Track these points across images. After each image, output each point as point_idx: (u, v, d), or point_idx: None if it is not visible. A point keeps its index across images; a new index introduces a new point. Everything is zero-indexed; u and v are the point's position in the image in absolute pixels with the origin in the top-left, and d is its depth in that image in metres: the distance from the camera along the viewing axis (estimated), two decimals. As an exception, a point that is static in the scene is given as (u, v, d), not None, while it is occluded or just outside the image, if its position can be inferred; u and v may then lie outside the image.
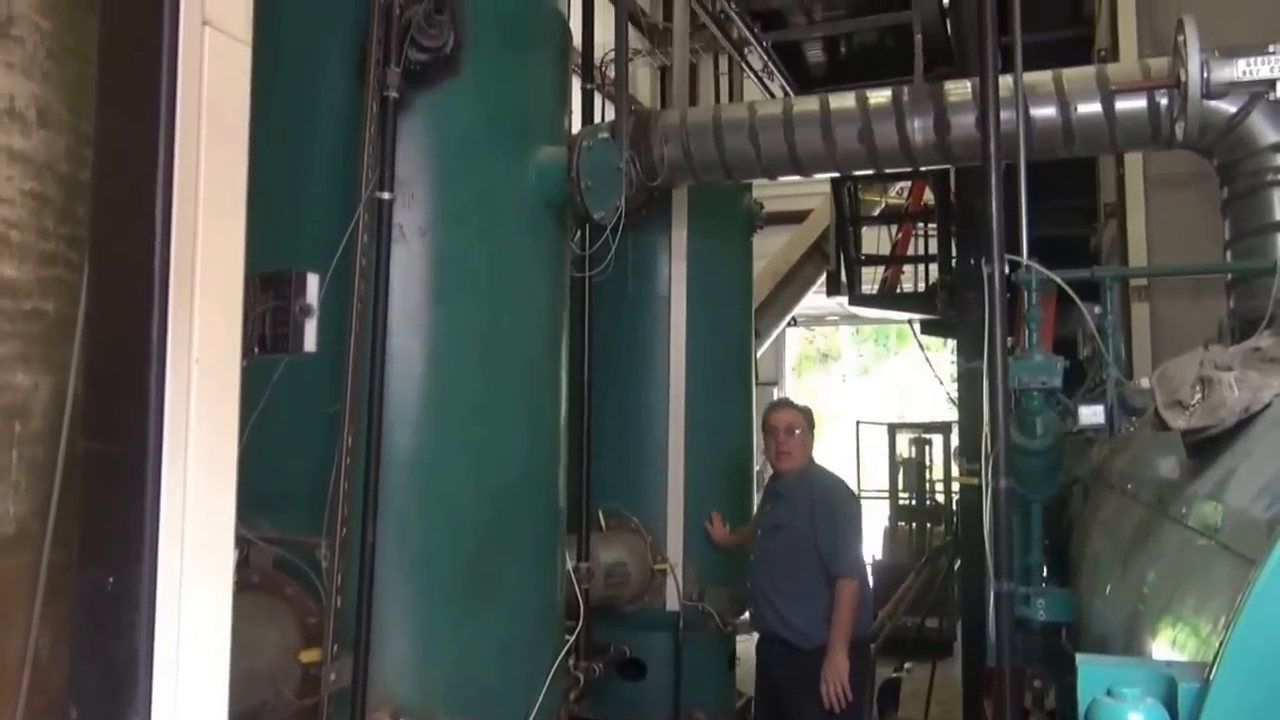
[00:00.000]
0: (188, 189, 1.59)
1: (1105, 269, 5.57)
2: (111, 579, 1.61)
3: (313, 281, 2.34)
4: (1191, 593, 1.83)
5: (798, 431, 5.05)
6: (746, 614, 5.36)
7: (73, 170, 1.76)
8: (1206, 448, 2.19)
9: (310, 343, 2.37)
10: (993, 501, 3.43)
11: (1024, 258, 4.15)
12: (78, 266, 1.78)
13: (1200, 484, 2.16)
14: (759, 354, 9.87)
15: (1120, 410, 4.10)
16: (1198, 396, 2.12)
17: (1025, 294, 4.16)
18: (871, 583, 5.60)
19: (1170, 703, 1.40)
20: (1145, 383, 3.51)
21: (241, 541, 3.23)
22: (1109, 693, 1.37)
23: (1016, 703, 3.33)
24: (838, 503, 4.97)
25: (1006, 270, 3.92)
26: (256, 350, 2.35)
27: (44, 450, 1.80)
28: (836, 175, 9.13)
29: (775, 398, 5.71)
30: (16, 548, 1.78)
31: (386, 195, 3.29)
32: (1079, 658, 1.51)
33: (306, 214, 3.51)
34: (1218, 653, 1.37)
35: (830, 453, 5.08)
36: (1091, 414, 4.04)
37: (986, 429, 3.58)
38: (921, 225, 10.39)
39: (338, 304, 3.23)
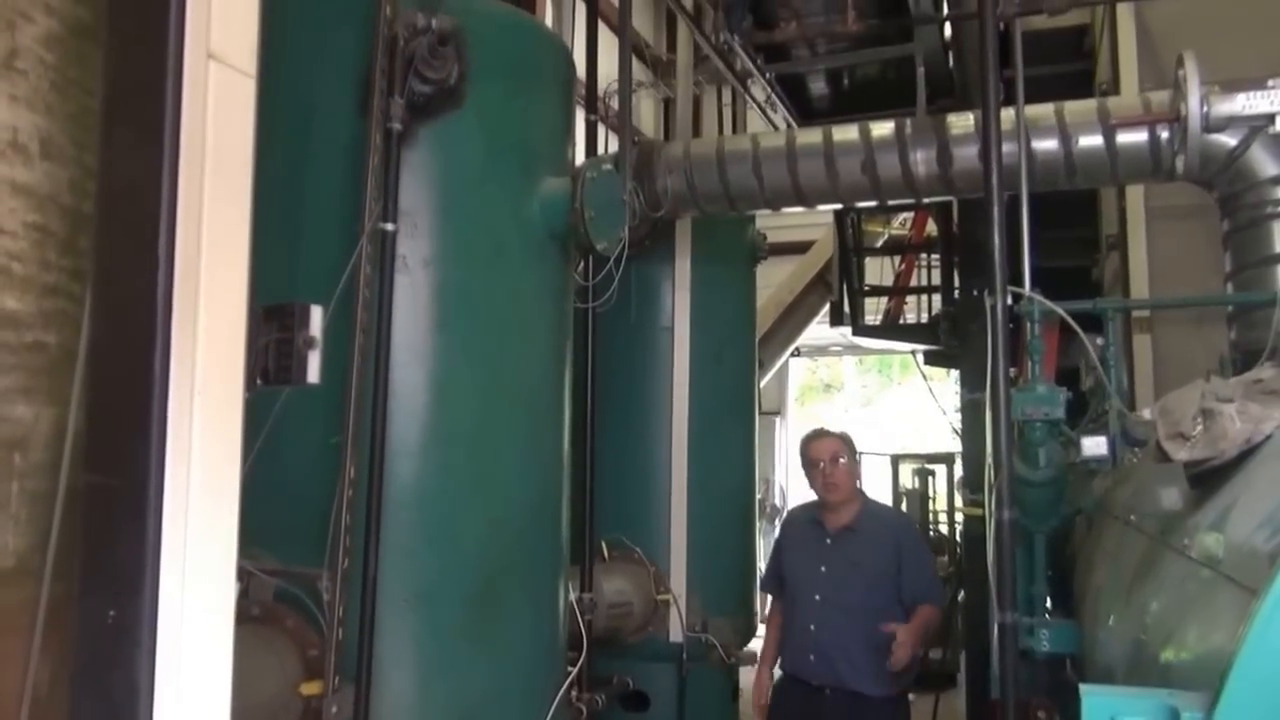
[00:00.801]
0: (191, 222, 1.59)
1: (1108, 300, 5.60)
2: (112, 612, 1.60)
3: (316, 313, 2.34)
4: (1194, 623, 1.82)
5: (842, 460, 4.79)
6: (755, 645, 5.25)
7: (75, 203, 1.77)
8: (1208, 479, 2.19)
9: (314, 374, 2.38)
10: (996, 532, 3.43)
11: (1026, 289, 4.17)
12: (79, 299, 1.78)
13: (1202, 515, 2.16)
14: (762, 384, 9.88)
15: (1123, 441, 4.10)
16: (1199, 428, 2.12)
17: (1028, 325, 4.18)
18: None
19: (1173, 734, 1.40)
20: (1148, 414, 3.52)
21: (242, 573, 3.21)
22: (1112, 723, 1.37)
23: (1021, 735, 3.32)
24: (917, 534, 4.99)
25: (1009, 301, 3.94)
26: (260, 382, 2.36)
27: (44, 483, 1.80)
28: (839, 207, 9.19)
29: (813, 428, 5.39)
30: (16, 580, 1.78)
31: (390, 226, 3.30)
32: (1083, 688, 1.50)
33: (310, 245, 3.52)
34: (1221, 682, 1.36)
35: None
36: (1094, 445, 4.04)
37: (989, 460, 3.58)
38: (924, 256, 10.43)
39: (340, 335, 3.24)
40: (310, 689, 3.12)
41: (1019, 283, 4.16)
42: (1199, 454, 2.10)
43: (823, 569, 4.68)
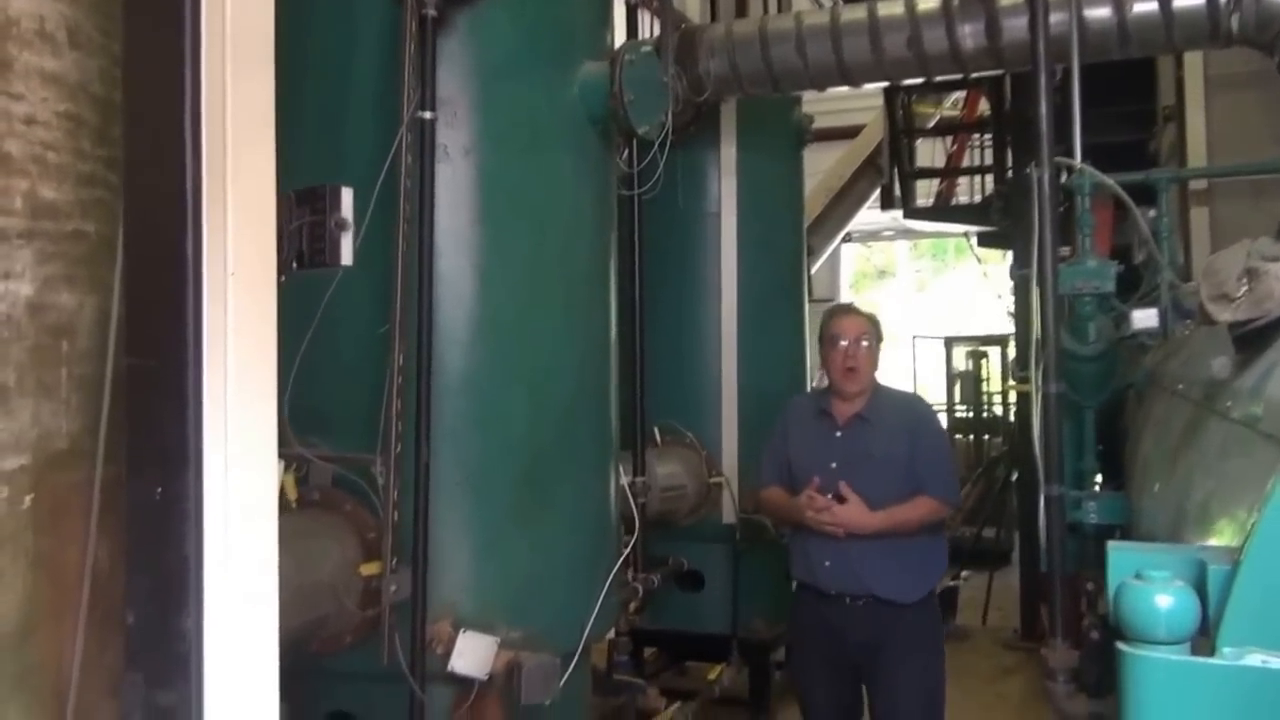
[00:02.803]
0: (215, 105, 1.62)
1: (1161, 171, 5.48)
2: (160, 489, 1.68)
3: (347, 195, 2.37)
4: (1229, 483, 1.82)
5: (866, 343, 4.20)
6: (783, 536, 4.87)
7: (106, 92, 1.79)
8: (1253, 340, 2.16)
9: (347, 256, 2.41)
10: (1042, 406, 3.42)
11: (1077, 162, 4.08)
12: (116, 188, 1.81)
13: (1245, 378, 2.13)
14: (814, 270, 9.83)
15: (1175, 313, 4.05)
16: (1244, 289, 2.08)
17: (1079, 200, 4.10)
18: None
19: (1201, 586, 1.41)
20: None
21: (300, 460, 3.33)
22: (1138, 576, 1.38)
23: (1069, 606, 3.35)
24: (939, 425, 4.43)
25: (1060, 176, 3.86)
26: (295, 266, 2.39)
27: (92, 368, 1.85)
28: (888, 86, 9.01)
29: (838, 303, 4.81)
30: (71, 463, 1.84)
31: (428, 115, 3.29)
32: (1110, 545, 1.52)
33: (350, 135, 3.52)
34: (1248, 535, 1.37)
35: (888, 369, 4.51)
36: (1145, 318, 4.00)
37: (1036, 334, 3.55)
38: (977, 137, 10.24)
39: (383, 225, 3.27)
40: (369, 569, 3.23)
41: (1069, 156, 4.07)
42: (1242, 315, 2.06)
43: (833, 465, 4.13)
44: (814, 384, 6.59)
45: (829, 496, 4.06)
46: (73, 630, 1.84)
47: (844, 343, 4.19)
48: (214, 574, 1.67)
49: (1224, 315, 2.11)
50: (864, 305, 4.56)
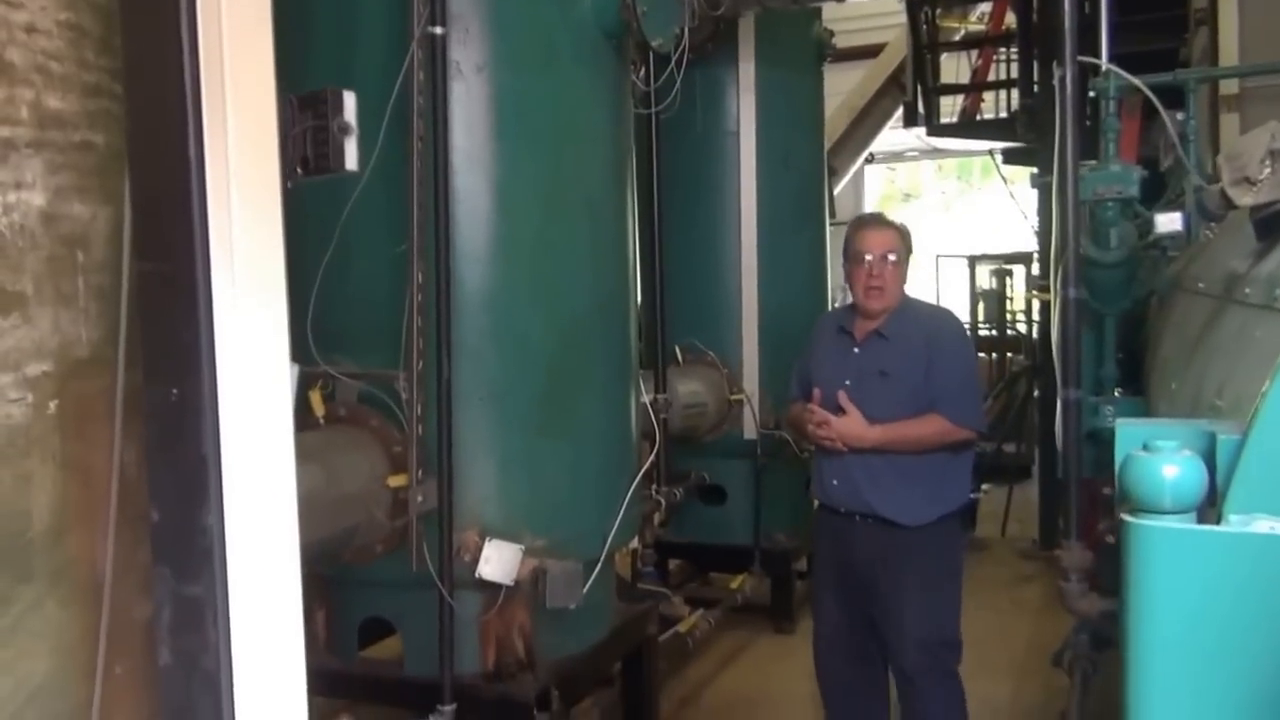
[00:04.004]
0: (210, 6, 1.63)
1: (1188, 71, 5.37)
2: (175, 391, 1.71)
3: (349, 99, 2.36)
4: (1246, 364, 1.81)
5: (893, 258, 3.91)
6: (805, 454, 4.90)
7: (107, 0, 1.81)
8: (1274, 225, 2.13)
9: (352, 161, 2.41)
10: (1061, 310, 3.39)
11: (1102, 61, 4.00)
12: (121, 100, 1.83)
13: (1266, 262, 2.11)
14: (836, 192, 9.74)
15: (1199, 216, 3.99)
16: (1266, 171, 2.05)
17: (1104, 103, 4.03)
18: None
19: (1210, 459, 1.41)
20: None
21: (326, 377, 3.38)
22: (1145, 448, 1.38)
23: (1085, 510, 3.35)
24: (962, 343, 4.08)
25: (1084, 80, 3.78)
26: (300, 171, 2.40)
27: (108, 278, 1.88)
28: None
29: (866, 213, 4.44)
30: (93, 371, 1.88)
31: (439, 30, 3.27)
32: (1118, 421, 1.52)
33: (361, 52, 3.51)
34: (1258, 403, 1.36)
35: (912, 289, 4.17)
36: (1169, 221, 3.94)
37: (1056, 238, 3.51)
38: (1003, 51, 10.04)
39: (399, 144, 3.27)
40: (396, 481, 3.30)
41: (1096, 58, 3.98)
42: (1264, 197, 2.04)
43: (847, 382, 3.94)
44: (839, 301, 6.57)
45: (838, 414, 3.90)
46: (104, 530, 1.90)
47: (869, 258, 3.90)
48: (232, 471, 1.70)
49: (1245, 199, 2.09)
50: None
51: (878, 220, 4.17)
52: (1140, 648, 1.35)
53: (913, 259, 4.07)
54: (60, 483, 1.84)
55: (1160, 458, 1.36)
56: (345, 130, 2.36)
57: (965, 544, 4.09)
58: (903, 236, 4.00)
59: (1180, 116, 4.57)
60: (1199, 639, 1.31)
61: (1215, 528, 1.33)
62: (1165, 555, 1.34)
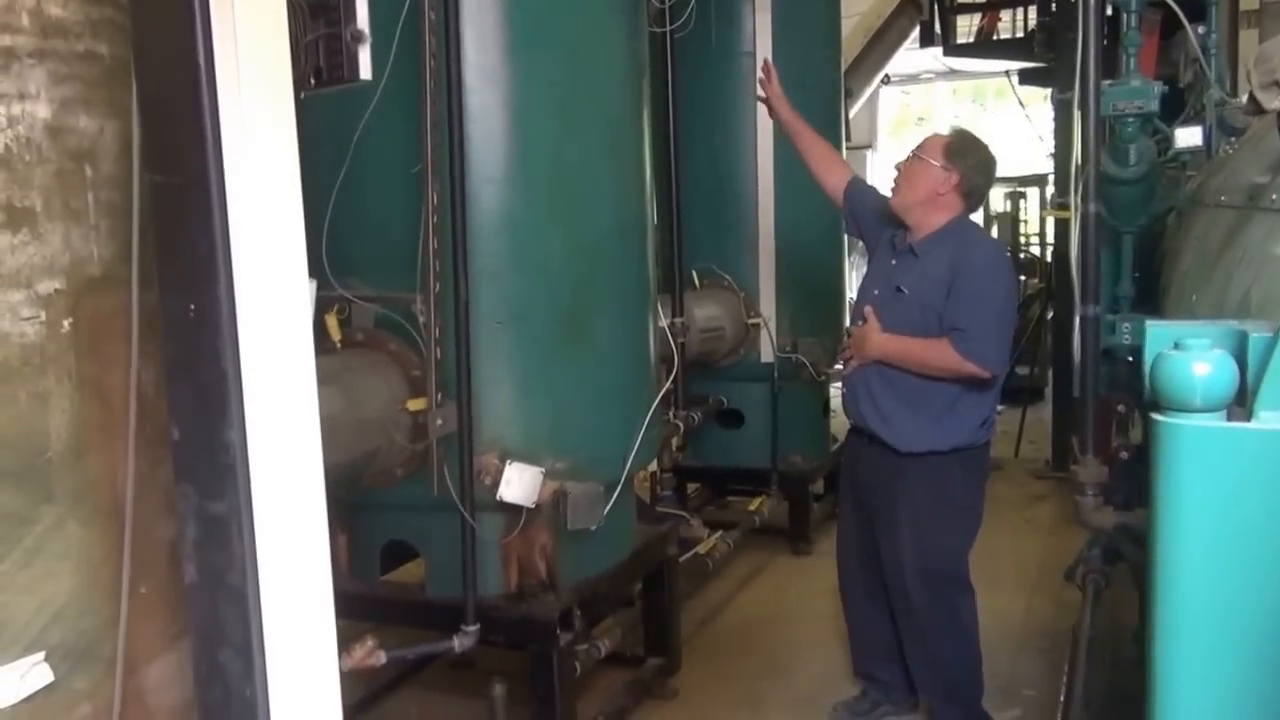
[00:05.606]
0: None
1: (1210, -17, 5.23)
2: (192, 306, 1.70)
3: (362, 6, 2.31)
4: (1272, 265, 1.79)
5: (918, 157, 3.77)
6: (839, 365, 4.88)
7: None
8: (1301, 129, 2.09)
9: (365, 70, 2.37)
10: (1080, 225, 3.35)
11: (1123, -28, 3.91)
12: (125, 8, 1.79)
13: (1292, 168, 2.08)
14: (852, 114, 9.62)
15: (1220, 131, 3.92)
16: (1294, 76, 2.01)
17: (1125, 17, 3.95)
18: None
19: (1241, 358, 1.39)
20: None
21: (342, 301, 3.36)
22: (1176, 346, 1.36)
23: (1100, 426, 3.34)
24: (988, 277, 3.71)
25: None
26: (313, 81, 2.36)
27: (119, 194, 1.86)
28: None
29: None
30: (106, 288, 1.86)
31: (448, -58, 3.20)
32: (1148, 323, 1.50)
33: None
34: (1289, 302, 1.35)
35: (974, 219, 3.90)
36: (1188, 135, 3.87)
37: (1076, 153, 3.46)
38: (1022, -29, 9.83)
39: (411, 62, 3.22)
40: (415, 405, 3.30)
41: (1117, -27, 3.88)
42: (1291, 102, 2.00)
43: (876, 293, 3.88)
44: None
45: (859, 323, 3.88)
46: (123, 449, 1.90)
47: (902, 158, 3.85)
48: (252, 386, 1.69)
49: (1274, 103, 2.05)
50: (902, 152, 4.12)
51: (935, 134, 3.95)
52: (1170, 547, 1.34)
53: (953, 172, 3.73)
54: (78, 402, 1.84)
55: (1191, 355, 1.34)
56: (358, 39, 2.31)
57: (976, 484, 3.86)
58: (941, 144, 3.79)
59: (1201, 30, 4.48)
60: (1229, 536, 1.31)
61: (1246, 425, 1.32)
62: (1196, 454, 1.33)
